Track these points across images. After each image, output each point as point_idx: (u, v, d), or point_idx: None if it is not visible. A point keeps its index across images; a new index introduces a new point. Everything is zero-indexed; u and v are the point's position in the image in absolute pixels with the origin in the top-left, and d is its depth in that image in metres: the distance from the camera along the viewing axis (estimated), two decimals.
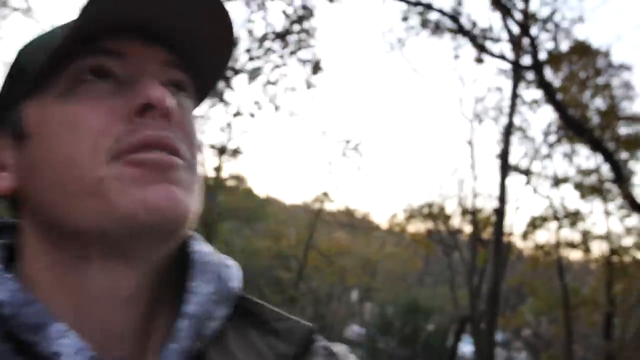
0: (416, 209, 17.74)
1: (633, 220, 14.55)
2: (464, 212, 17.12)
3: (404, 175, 34.66)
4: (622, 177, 13.43)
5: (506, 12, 12.99)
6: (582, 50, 13.11)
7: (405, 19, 14.01)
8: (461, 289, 17.31)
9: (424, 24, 13.97)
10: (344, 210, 20.89)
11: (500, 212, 15.52)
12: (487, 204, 16.58)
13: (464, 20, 13.60)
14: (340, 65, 32.17)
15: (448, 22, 13.86)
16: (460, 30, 13.78)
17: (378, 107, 38.89)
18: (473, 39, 13.72)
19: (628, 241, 15.05)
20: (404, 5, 13.63)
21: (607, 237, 15.50)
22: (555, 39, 12.78)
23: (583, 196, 14.44)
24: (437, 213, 17.57)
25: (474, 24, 13.56)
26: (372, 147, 30.84)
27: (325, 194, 20.49)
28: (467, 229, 17.45)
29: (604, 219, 15.59)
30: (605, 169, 13.55)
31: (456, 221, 17.54)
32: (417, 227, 17.53)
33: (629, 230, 14.80)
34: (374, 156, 32.98)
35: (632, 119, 14.09)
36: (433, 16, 13.80)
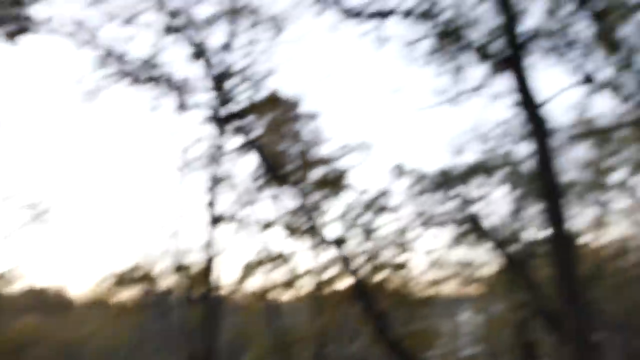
0: (122, 274, 16.24)
1: (330, 253, 15.51)
2: (175, 269, 16.35)
3: (107, 238, 30.30)
4: (313, 216, 14.80)
5: (205, 64, 13.25)
6: (275, 100, 14.13)
7: (98, 68, 13.01)
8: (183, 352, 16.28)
9: (120, 73, 13.21)
10: (31, 290, 17.76)
11: (210, 265, 15.27)
12: (199, 258, 16.17)
13: (161, 71, 13.32)
14: (26, 118, 27.02)
15: (145, 72, 13.39)
16: (157, 80, 13.44)
17: (71, 164, 33.50)
18: (172, 89, 13.53)
19: (330, 273, 16.44)
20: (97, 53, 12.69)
21: (312, 272, 16.72)
22: (252, 89, 13.51)
23: (290, 236, 15.31)
24: (145, 275, 16.38)
25: (172, 76, 13.40)
26: (65, 211, 26.48)
27: (4, 275, 17.17)
28: (180, 287, 16.69)
29: (309, 256, 16.72)
30: (305, 209, 14.58)
31: (167, 281, 16.62)
32: (126, 293, 16.03)
33: (329, 263, 16.16)
34: (67, 221, 27.88)
35: (321, 162, 15.71)
36: (130, 66, 13.17)
